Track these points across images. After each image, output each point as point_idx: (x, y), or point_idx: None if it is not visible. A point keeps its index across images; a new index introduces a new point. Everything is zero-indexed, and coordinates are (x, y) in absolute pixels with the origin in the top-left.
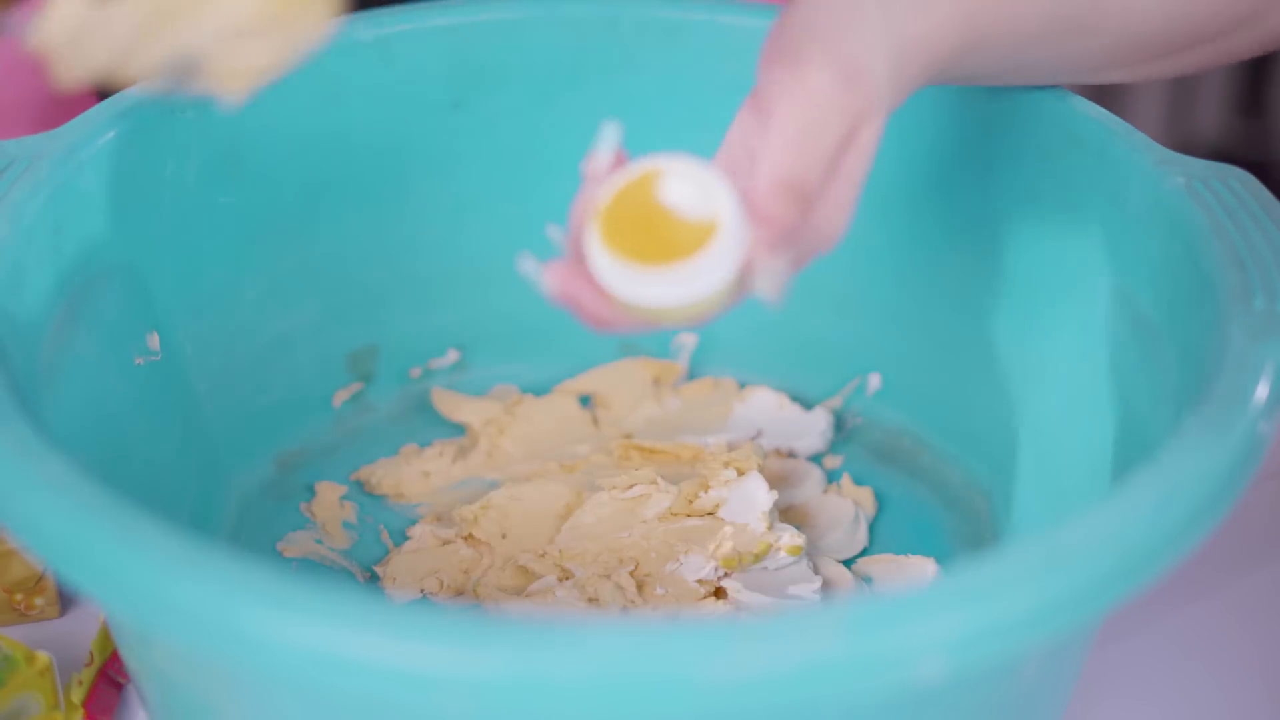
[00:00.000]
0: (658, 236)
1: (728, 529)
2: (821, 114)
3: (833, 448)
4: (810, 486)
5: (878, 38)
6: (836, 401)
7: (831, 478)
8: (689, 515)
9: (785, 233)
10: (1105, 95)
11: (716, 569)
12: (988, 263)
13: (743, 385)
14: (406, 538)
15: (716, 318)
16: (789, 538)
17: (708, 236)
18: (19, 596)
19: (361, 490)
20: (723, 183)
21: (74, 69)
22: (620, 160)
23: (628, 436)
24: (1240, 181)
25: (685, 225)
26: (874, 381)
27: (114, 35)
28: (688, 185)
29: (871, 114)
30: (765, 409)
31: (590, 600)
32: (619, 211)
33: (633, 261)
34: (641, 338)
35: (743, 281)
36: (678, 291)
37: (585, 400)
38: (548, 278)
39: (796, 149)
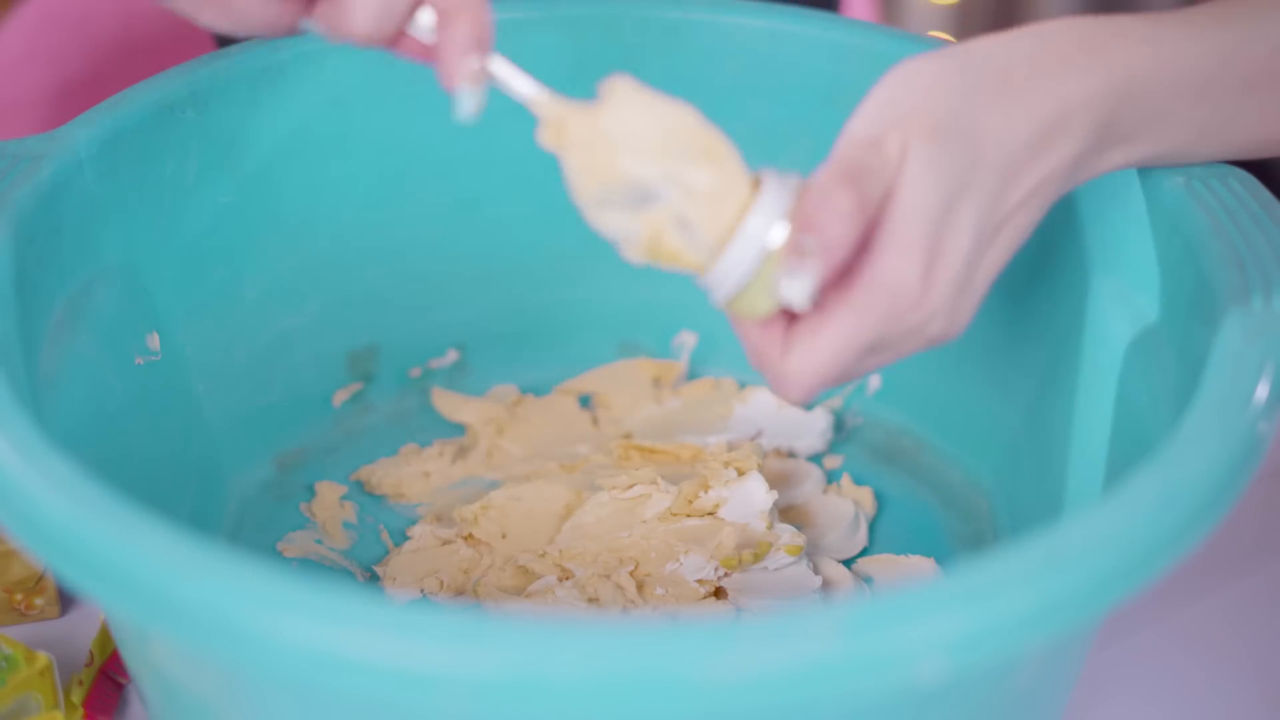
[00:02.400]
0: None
1: (728, 529)
2: (942, 160)
3: (833, 448)
4: (810, 486)
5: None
6: (836, 401)
7: (831, 478)
8: (689, 515)
9: (827, 243)
10: None
11: (716, 569)
12: None
13: (743, 385)
14: (406, 538)
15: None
16: (789, 538)
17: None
18: (19, 596)
19: (361, 490)
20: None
21: None
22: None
23: (628, 436)
24: (1240, 181)
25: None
26: (874, 381)
27: None
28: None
29: (911, 143)
30: (765, 409)
31: (590, 600)
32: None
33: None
34: (642, 338)
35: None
36: (721, 290)
37: (585, 400)
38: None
39: (920, 186)
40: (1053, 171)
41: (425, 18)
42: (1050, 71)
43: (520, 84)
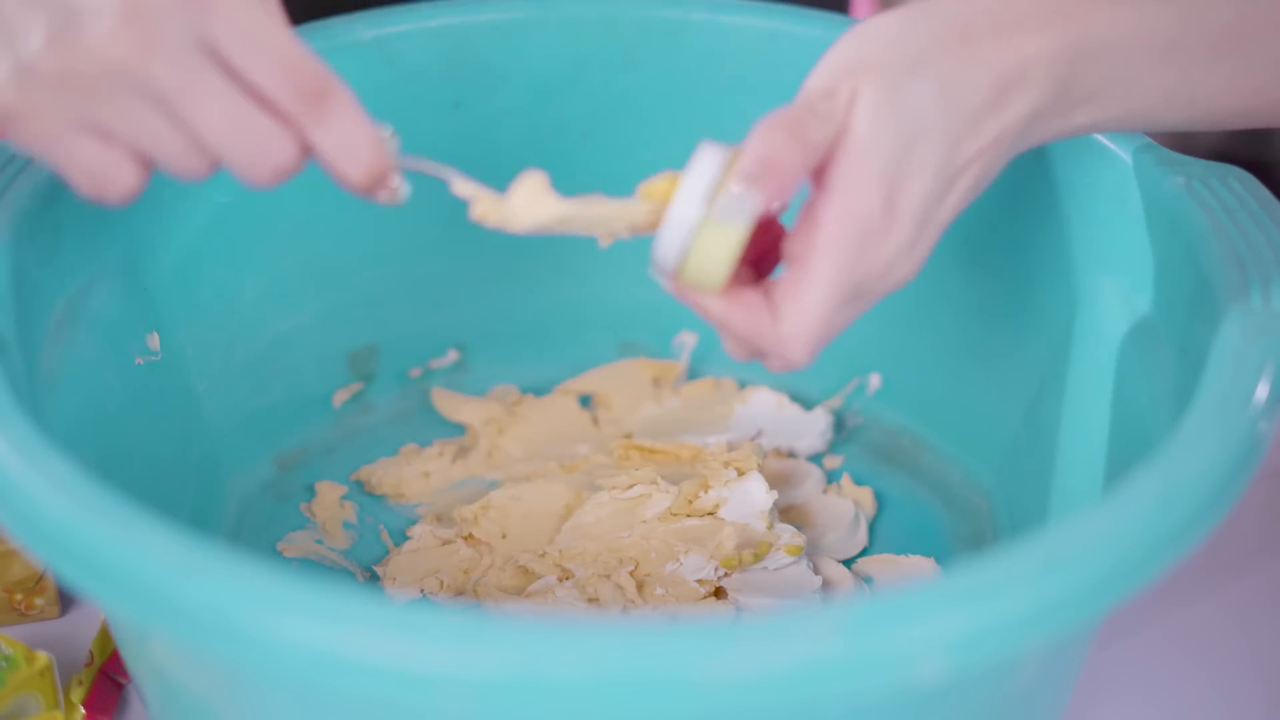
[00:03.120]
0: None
1: (728, 529)
2: (893, 109)
3: (833, 448)
4: (810, 486)
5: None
6: (836, 401)
7: (831, 478)
8: (689, 515)
9: (770, 166)
10: None
11: (716, 569)
12: (988, 262)
13: (743, 385)
14: (406, 538)
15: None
16: (789, 538)
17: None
18: (19, 596)
19: (361, 490)
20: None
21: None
22: None
23: (628, 436)
24: (1240, 181)
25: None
26: (874, 381)
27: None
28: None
29: (861, 83)
30: (765, 409)
31: (590, 600)
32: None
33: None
34: (642, 338)
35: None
36: (667, 250)
37: (585, 400)
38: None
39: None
40: (1010, 125)
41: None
42: (1008, 28)
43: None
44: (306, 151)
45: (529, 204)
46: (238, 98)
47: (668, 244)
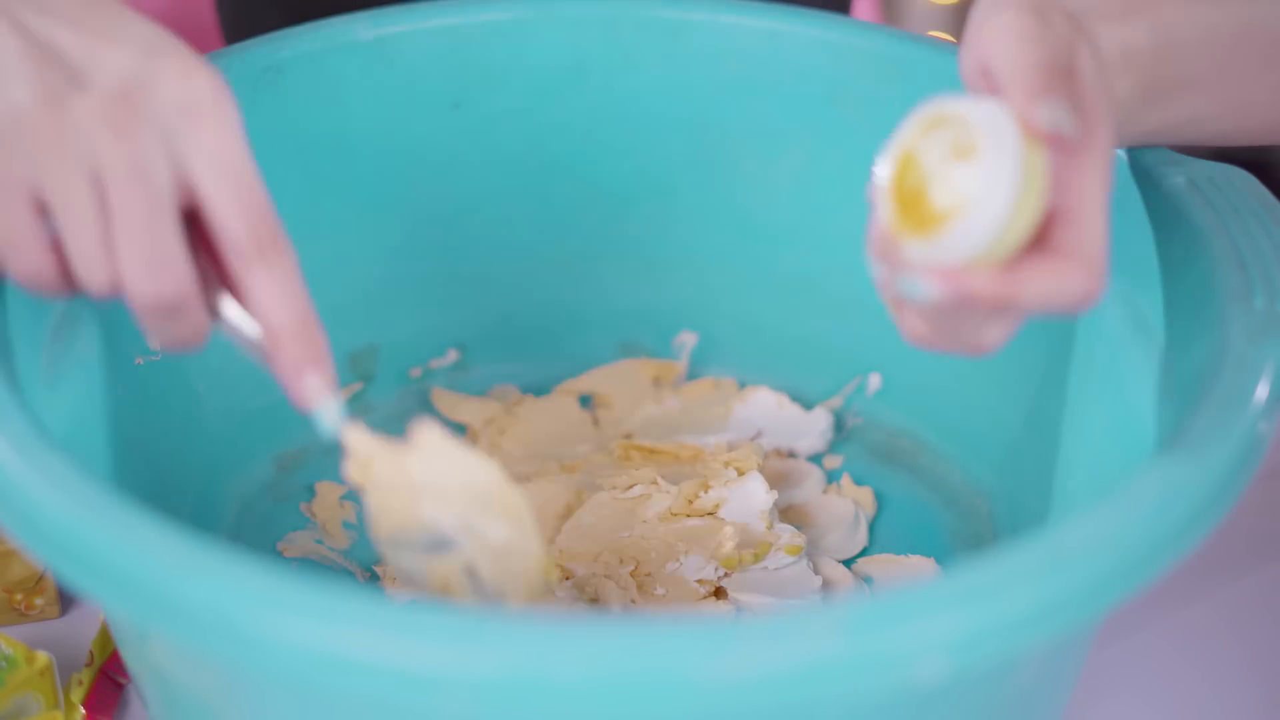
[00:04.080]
0: (919, 197)
1: (728, 529)
2: (1028, 26)
3: (833, 448)
4: (810, 486)
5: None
6: (836, 401)
7: (831, 478)
8: (689, 515)
9: (1057, 99)
10: None
11: (716, 569)
12: None
13: (743, 385)
14: None
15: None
16: (789, 538)
17: (972, 182)
18: (19, 596)
19: None
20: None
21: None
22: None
23: (628, 436)
24: (1241, 181)
25: (953, 178)
26: (874, 381)
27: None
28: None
29: (1077, 39)
30: (765, 409)
31: (591, 600)
32: (896, 190)
33: (920, 236)
34: (642, 338)
35: (1039, 173)
36: (978, 238)
37: (585, 400)
38: (932, 285)
39: (1028, 46)
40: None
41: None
42: (1102, 15)
43: (333, 414)
44: (206, 326)
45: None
46: (172, 230)
47: (985, 226)
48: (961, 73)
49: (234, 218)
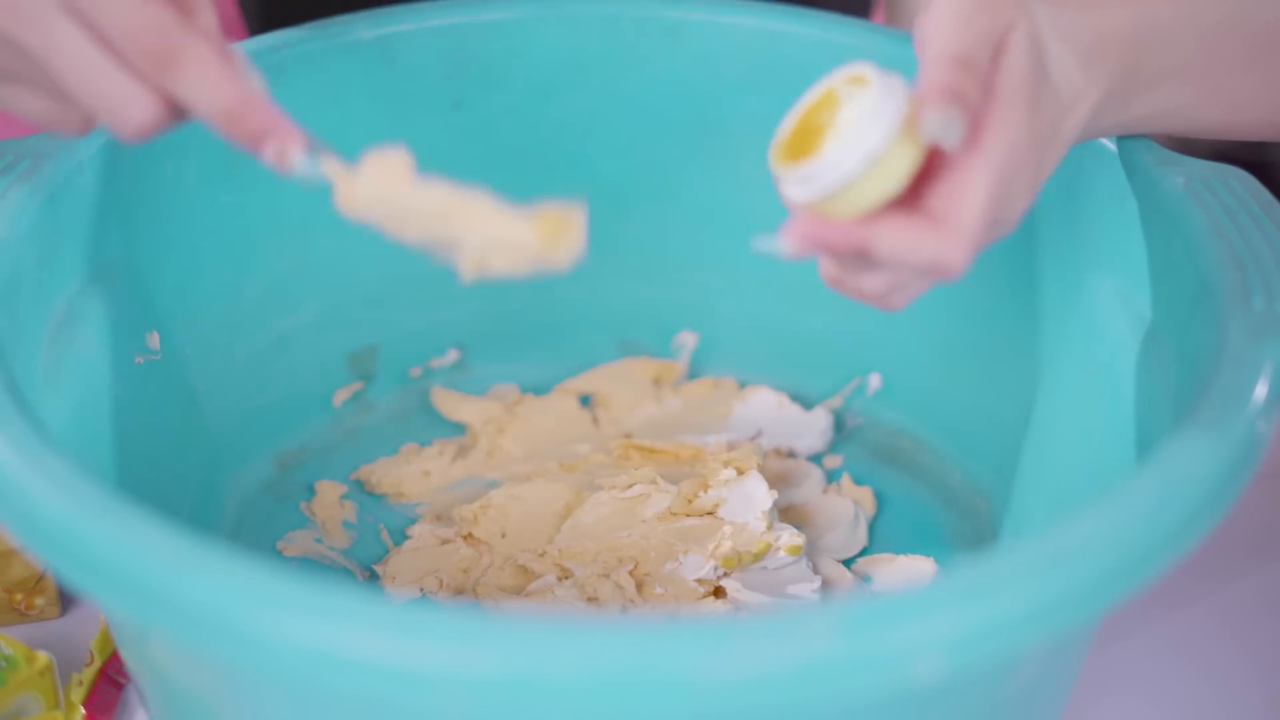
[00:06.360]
0: (807, 136)
1: (727, 529)
2: (964, 9)
3: (833, 448)
4: (810, 486)
5: None
6: (836, 401)
7: (831, 478)
8: (688, 515)
9: (959, 96)
10: None
11: (716, 568)
12: (987, 263)
13: (743, 385)
14: (406, 537)
15: (904, 183)
16: (788, 537)
17: (837, 115)
18: (19, 596)
19: (361, 490)
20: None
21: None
22: None
23: (628, 436)
24: (1240, 181)
25: (828, 115)
26: (874, 381)
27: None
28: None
29: (1017, 20)
30: (765, 409)
31: (590, 600)
32: (787, 134)
33: (791, 164)
34: (642, 338)
35: (914, 141)
36: (839, 172)
37: (585, 400)
38: (785, 239)
39: (955, 29)
40: (1093, 94)
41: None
42: (1087, 4)
43: (307, 170)
44: (175, 107)
45: (376, 182)
46: (96, 57)
47: (838, 166)
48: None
49: (126, 48)
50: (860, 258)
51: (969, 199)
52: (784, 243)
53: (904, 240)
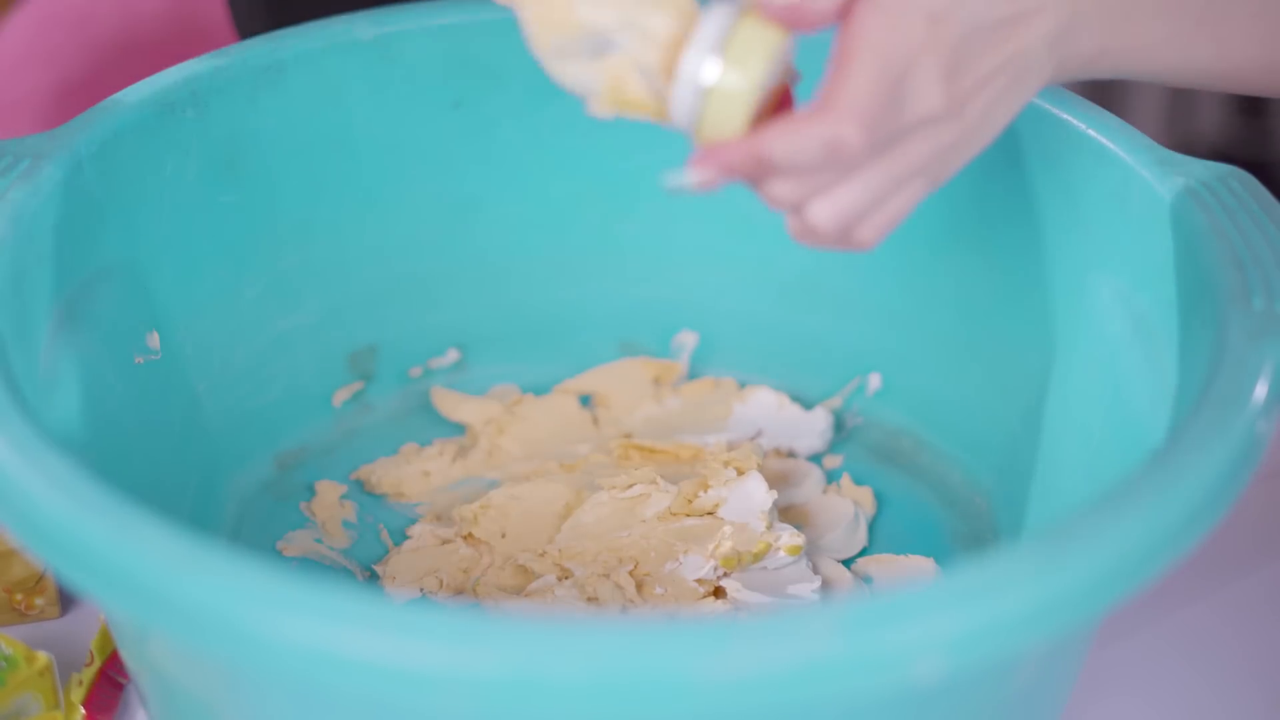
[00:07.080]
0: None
1: (727, 529)
2: None
3: (833, 448)
4: (810, 486)
5: None
6: (836, 401)
7: (831, 478)
8: (688, 515)
9: None
10: (1105, 95)
11: (716, 568)
12: (988, 263)
13: (743, 385)
14: (406, 537)
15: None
16: (788, 537)
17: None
18: (19, 596)
19: (361, 490)
20: None
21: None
22: None
23: (628, 436)
24: (1240, 182)
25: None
26: (874, 381)
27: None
28: None
29: None
30: (765, 409)
31: (589, 600)
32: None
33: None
34: (642, 338)
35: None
36: (685, 104)
37: (585, 400)
38: (689, 170)
39: None
40: (1036, 20)
41: None
42: None
43: None
44: None
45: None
46: None
47: (681, 100)
48: None
49: None
50: (764, 170)
51: (846, 73)
52: (689, 175)
53: (793, 133)
